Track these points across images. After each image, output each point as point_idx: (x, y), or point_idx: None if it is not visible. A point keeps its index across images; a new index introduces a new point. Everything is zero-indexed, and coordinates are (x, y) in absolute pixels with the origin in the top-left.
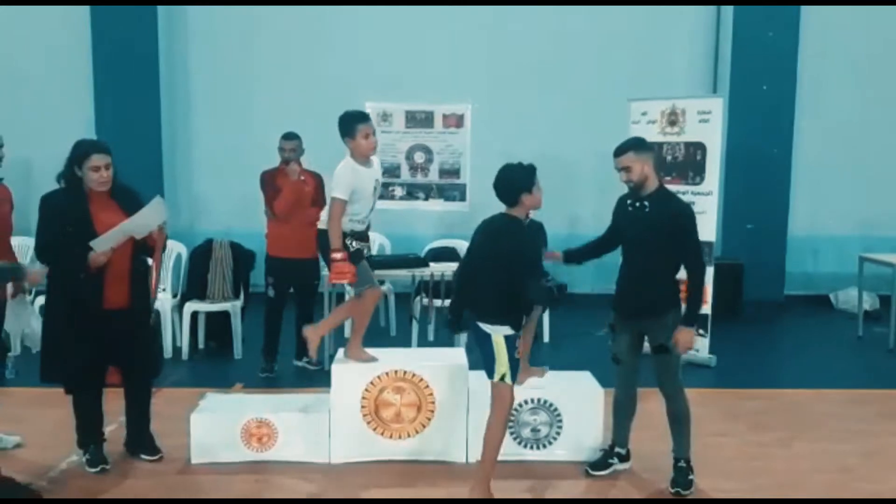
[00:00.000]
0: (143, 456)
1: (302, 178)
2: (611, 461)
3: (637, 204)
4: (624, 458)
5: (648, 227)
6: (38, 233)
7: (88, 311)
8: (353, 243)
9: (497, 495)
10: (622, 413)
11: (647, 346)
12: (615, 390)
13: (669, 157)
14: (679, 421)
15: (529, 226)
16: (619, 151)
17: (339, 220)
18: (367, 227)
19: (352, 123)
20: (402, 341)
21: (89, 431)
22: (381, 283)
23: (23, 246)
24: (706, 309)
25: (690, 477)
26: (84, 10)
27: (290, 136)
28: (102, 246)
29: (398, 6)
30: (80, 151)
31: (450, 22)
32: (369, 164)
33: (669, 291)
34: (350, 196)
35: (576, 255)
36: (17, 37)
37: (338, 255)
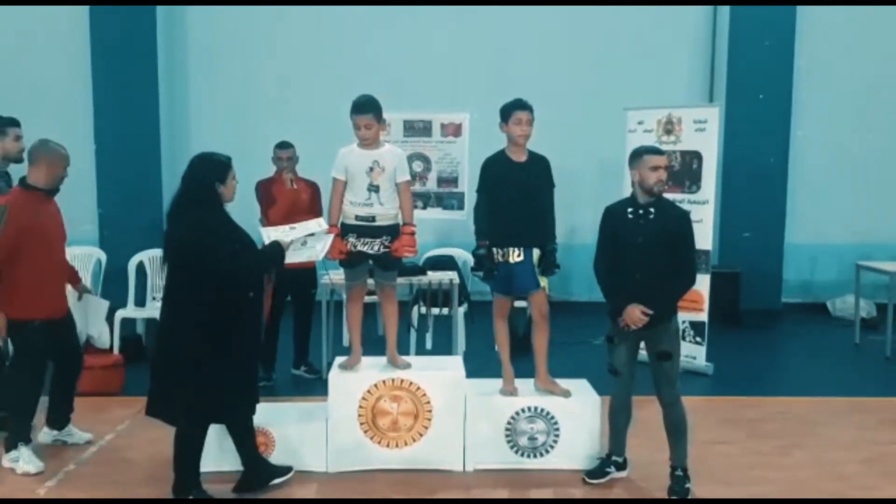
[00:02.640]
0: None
1: (295, 186)
2: (608, 469)
3: (640, 211)
4: (621, 467)
5: (656, 234)
6: (225, 258)
7: (258, 330)
8: (351, 240)
9: None
10: (619, 421)
11: (642, 354)
12: (612, 399)
13: None
14: (677, 429)
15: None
16: (662, 151)
17: (334, 197)
18: (374, 219)
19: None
20: (400, 349)
21: (197, 470)
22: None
23: None
24: (703, 317)
25: (687, 485)
26: (83, 13)
27: (284, 146)
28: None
29: (396, 14)
30: (226, 164)
31: (448, 31)
32: (371, 148)
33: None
34: (346, 176)
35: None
36: (15, 38)
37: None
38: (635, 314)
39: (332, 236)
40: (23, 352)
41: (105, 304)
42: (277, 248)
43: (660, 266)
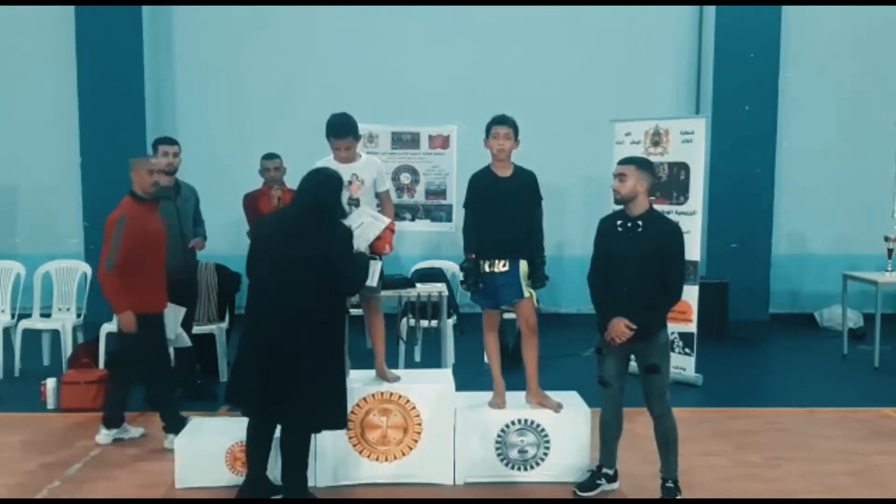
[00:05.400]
0: None
1: (281, 204)
2: (598, 482)
3: (629, 224)
4: (611, 479)
5: (643, 247)
6: (357, 269)
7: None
8: None
9: None
10: (609, 434)
11: (632, 366)
12: (602, 411)
13: None
14: (667, 441)
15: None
16: (623, 160)
17: None
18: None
19: (326, 133)
20: (389, 362)
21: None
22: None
23: (4, 270)
24: (692, 328)
25: (678, 497)
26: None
27: (271, 157)
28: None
29: (384, 26)
30: (340, 178)
31: (435, 44)
32: (348, 161)
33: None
34: None
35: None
36: None
37: None
38: (619, 328)
39: (363, 209)
40: (151, 346)
41: (182, 310)
42: (366, 258)
43: (647, 280)
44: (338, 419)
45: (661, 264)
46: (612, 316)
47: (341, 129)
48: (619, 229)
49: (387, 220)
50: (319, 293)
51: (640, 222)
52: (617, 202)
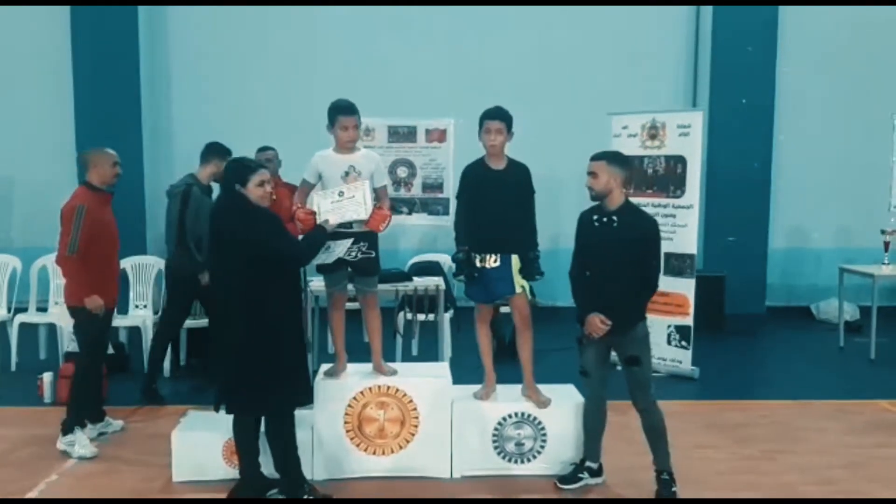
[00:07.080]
0: None
1: (274, 196)
2: (581, 476)
3: (605, 219)
4: (595, 473)
5: (618, 242)
6: (279, 243)
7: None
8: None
9: None
10: (592, 426)
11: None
12: (584, 404)
13: (650, 171)
14: (656, 434)
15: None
16: (594, 157)
17: (299, 196)
18: (350, 226)
19: (333, 114)
20: (386, 356)
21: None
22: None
23: (0, 264)
24: (688, 321)
25: (674, 489)
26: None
27: (264, 149)
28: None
29: (380, 20)
30: (250, 167)
31: (432, 37)
32: (348, 152)
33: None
34: (319, 181)
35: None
36: None
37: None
38: (595, 323)
39: (365, 183)
40: (90, 339)
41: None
42: (322, 231)
43: (622, 275)
44: (302, 396)
45: (637, 258)
46: (590, 309)
47: (349, 107)
48: (596, 224)
49: (368, 213)
50: (251, 277)
51: (615, 217)
52: (593, 199)
